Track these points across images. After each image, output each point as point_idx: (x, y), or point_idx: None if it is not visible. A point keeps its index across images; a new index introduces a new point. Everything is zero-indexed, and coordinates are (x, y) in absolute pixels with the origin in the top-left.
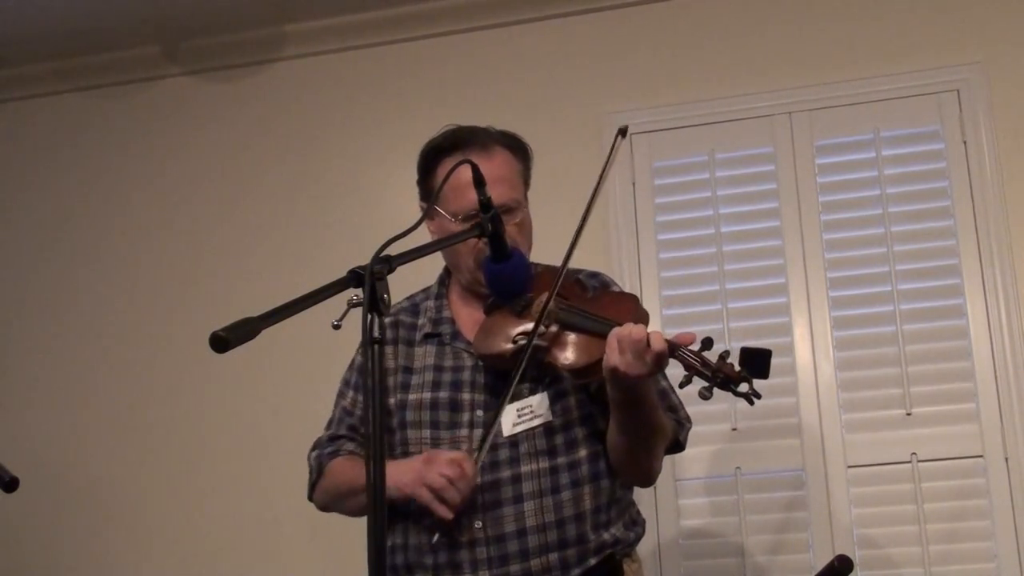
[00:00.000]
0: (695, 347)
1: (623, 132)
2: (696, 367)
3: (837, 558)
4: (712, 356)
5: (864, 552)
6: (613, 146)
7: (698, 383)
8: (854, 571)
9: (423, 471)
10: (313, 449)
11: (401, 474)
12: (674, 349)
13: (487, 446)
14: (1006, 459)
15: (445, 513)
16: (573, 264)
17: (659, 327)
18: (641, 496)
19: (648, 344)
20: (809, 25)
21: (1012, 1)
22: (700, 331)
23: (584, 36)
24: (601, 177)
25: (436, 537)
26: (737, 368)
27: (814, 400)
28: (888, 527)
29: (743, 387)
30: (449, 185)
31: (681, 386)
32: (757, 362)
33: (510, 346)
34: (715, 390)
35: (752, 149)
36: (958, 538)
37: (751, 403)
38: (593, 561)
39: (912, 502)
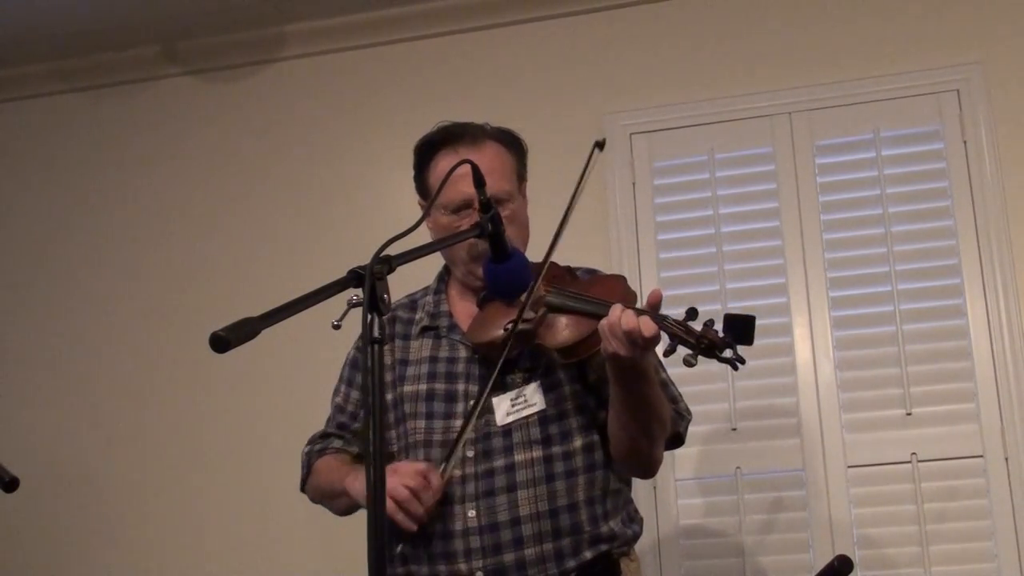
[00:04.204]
0: (679, 316)
1: (600, 145)
2: (680, 335)
3: (837, 558)
4: (696, 325)
5: (864, 552)
6: (589, 158)
7: (682, 351)
8: (854, 571)
9: (387, 481)
10: (306, 445)
11: (365, 484)
12: (660, 322)
13: (456, 457)
14: (1006, 459)
15: (408, 525)
16: (573, 263)
17: None
18: (640, 496)
19: (640, 330)
20: (809, 25)
21: (1012, 1)
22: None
23: (584, 36)
24: (578, 188)
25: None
26: (721, 334)
27: (814, 400)
28: (888, 527)
29: (727, 353)
30: (439, 178)
31: (666, 355)
32: (741, 328)
33: (501, 333)
34: (700, 357)
35: (752, 149)
36: (958, 538)
37: (735, 368)
38: (588, 554)
39: (912, 502)
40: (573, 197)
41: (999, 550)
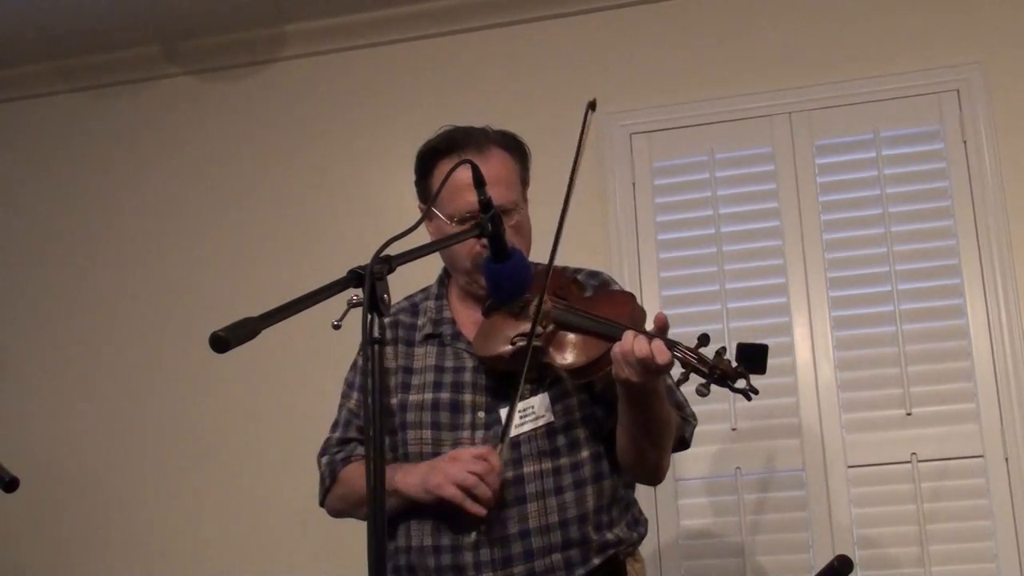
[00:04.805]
0: (691, 344)
1: (592, 106)
2: (693, 364)
3: (837, 558)
4: (709, 353)
5: (864, 552)
6: (585, 120)
7: (695, 380)
8: (854, 571)
9: (451, 470)
10: (323, 454)
11: (427, 476)
12: (672, 348)
13: (508, 438)
14: (1006, 459)
15: (479, 511)
16: (574, 264)
17: None
18: (641, 496)
19: (654, 358)
20: (809, 25)
21: (1012, 1)
22: (700, 331)
23: (584, 36)
24: (578, 155)
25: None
26: (734, 364)
27: (814, 400)
28: (888, 527)
29: (740, 383)
30: (445, 187)
31: (679, 384)
32: (754, 358)
33: (508, 348)
34: (712, 386)
35: (752, 149)
36: (958, 538)
37: (748, 399)
38: (596, 561)
39: (912, 502)
40: (574, 171)
41: (999, 550)
